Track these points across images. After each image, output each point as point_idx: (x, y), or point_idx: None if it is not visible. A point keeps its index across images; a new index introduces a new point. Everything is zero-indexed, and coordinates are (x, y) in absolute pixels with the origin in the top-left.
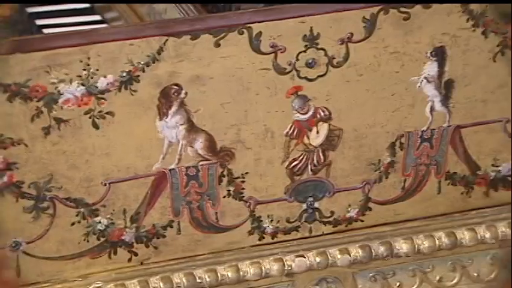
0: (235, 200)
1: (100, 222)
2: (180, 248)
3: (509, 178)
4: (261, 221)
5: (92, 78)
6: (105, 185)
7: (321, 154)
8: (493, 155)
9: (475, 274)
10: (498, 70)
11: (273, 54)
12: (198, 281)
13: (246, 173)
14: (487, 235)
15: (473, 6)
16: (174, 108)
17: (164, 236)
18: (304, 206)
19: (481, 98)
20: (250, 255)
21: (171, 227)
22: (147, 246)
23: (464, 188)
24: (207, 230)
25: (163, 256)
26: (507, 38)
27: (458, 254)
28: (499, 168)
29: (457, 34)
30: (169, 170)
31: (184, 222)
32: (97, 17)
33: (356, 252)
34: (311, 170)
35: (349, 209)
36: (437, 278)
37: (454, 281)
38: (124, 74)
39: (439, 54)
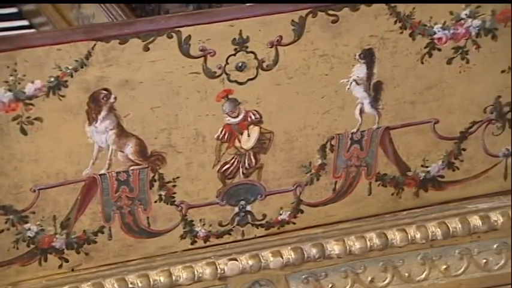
0: (167, 204)
1: (30, 229)
2: (111, 254)
3: (439, 178)
4: (193, 225)
5: (19, 83)
6: (34, 191)
7: (252, 157)
8: (422, 156)
9: (406, 274)
10: (426, 71)
11: (202, 58)
12: (130, 286)
13: (178, 177)
14: (418, 235)
15: (401, 8)
16: (103, 113)
17: (95, 242)
18: (236, 209)
19: (409, 99)
20: (183, 259)
21: (102, 232)
22: (78, 253)
23: (395, 189)
24: (139, 235)
25: (95, 262)
26: (434, 39)
27: (389, 255)
28: (428, 168)
29: (385, 36)
30: (100, 175)
31: (115, 227)
32: (25, 22)
33: (288, 254)
34: (243, 173)
35: (281, 212)
36: (369, 278)
37: (386, 282)
38: (52, 79)
39: (368, 57)
